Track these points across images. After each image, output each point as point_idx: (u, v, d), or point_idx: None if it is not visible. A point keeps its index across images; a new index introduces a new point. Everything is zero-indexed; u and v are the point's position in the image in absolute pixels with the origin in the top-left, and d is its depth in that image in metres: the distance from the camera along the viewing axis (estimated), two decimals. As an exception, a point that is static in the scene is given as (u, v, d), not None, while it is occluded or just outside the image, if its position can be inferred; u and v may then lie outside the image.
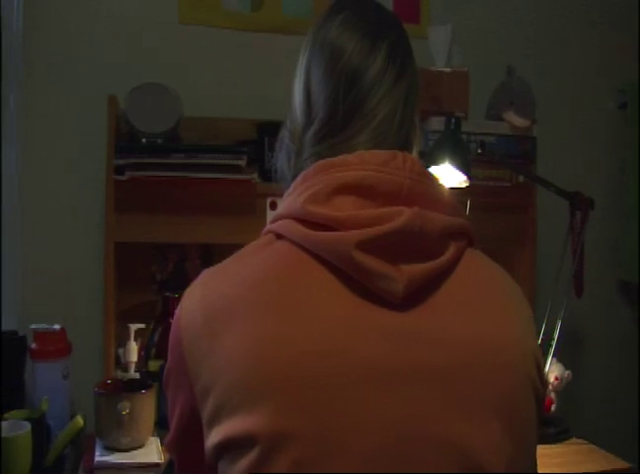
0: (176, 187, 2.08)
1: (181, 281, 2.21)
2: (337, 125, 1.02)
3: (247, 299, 0.91)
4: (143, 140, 2.10)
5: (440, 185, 1.01)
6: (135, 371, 2.09)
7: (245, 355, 0.87)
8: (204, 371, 0.91)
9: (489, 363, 0.91)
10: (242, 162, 2.09)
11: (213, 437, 0.89)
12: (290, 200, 0.97)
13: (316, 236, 0.92)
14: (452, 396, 0.87)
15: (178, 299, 2.02)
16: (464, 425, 0.87)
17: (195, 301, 0.97)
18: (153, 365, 2.06)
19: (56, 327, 2.01)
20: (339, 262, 0.90)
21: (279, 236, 0.97)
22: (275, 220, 0.99)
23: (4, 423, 1.73)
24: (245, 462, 0.86)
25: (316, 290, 0.91)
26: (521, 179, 2.34)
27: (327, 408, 0.85)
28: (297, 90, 1.09)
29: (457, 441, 0.86)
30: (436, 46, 2.25)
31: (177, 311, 1.00)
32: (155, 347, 2.08)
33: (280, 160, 1.13)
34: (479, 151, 2.21)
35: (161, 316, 2.10)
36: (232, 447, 0.87)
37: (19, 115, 2.29)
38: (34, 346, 2.00)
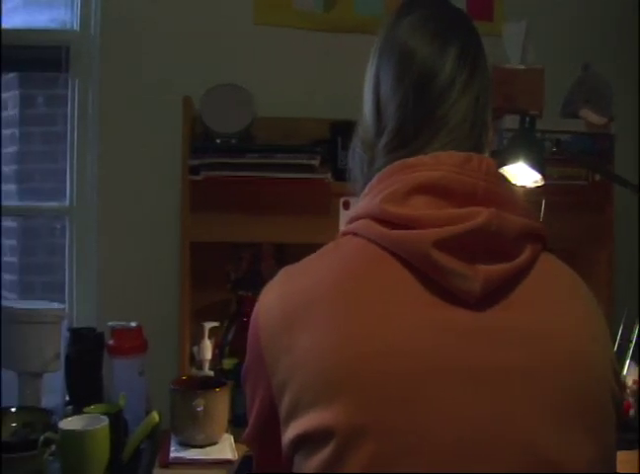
0: (250, 186, 2.10)
1: (255, 281, 2.22)
2: (408, 135, 1.01)
3: (324, 296, 0.92)
4: (218, 141, 2.12)
5: (515, 187, 1.00)
6: (210, 369, 2.12)
7: (322, 352, 0.88)
8: (282, 367, 0.92)
9: (566, 365, 0.89)
10: (315, 162, 2.10)
11: (290, 432, 0.91)
12: (367, 201, 0.98)
13: (393, 234, 0.92)
14: (530, 396, 0.86)
15: (252, 298, 2.07)
16: (542, 425, 0.86)
17: (273, 298, 0.98)
18: (227, 364, 2.08)
19: (133, 324, 2.05)
20: (415, 260, 0.90)
21: (356, 235, 0.97)
22: (351, 221, 1.00)
23: (83, 417, 1.77)
24: (321, 456, 0.86)
25: (393, 288, 0.91)
26: (598, 177, 2.29)
27: (403, 405, 0.85)
28: (367, 97, 1.08)
29: (535, 442, 0.85)
30: (510, 44, 2.22)
31: (255, 308, 1.01)
32: (229, 345, 2.09)
33: (354, 169, 1.13)
34: (554, 149, 2.16)
35: (235, 315, 2.12)
36: (308, 442, 0.88)
37: (96, 116, 2.35)
38: (111, 342, 2.04)
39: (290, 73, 2.38)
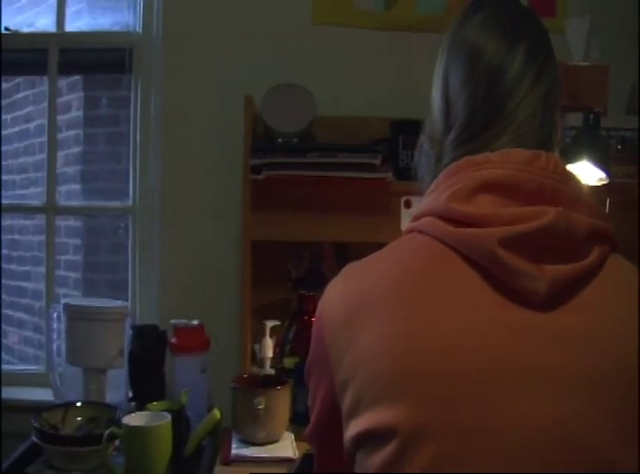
0: (311, 186, 2.10)
1: (316, 279, 2.23)
2: (476, 130, 1.00)
3: (387, 294, 0.92)
4: (279, 140, 2.13)
5: (583, 186, 0.98)
6: (271, 367, 2.12)
7: (385, 349, 0.88)
8: (345, 364, 0.92)
9: (627, 370, 0.88)
10: (377, 161, 2.09)
11: (352, 430, 0.91)
12: (432, 198, 0.98)
13: (458, 232, 0.92)
14: (591, 399, 0.85)
15: (313, 297, 2.07)
16: (602, 427, 0.85)
17: (336, 296, 0.98)
18: (288, 362, 2.08)
19: (195, 323, 2.07)
20: (481, 258, 0.90)
21: (420, 233, 0.97)
22: (416, 218, 1.00)
23: (146, 413, 1.79)
24: (382, 455, 0.86)
25: (457, 286, 0.91)
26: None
27: (467, 405, 0.84)
28: (436, 94, 1.08)
29: (595, 443, 0.84)
30: (573, 40, 2.18)
31: (319, 305, 1.02)
32: (290, 344, 2.09)
33: (421, 165, 1.13)
34: (619, 147, 2.13)
35: (296, 314, 2.12)
36: (370, 440, 0.88)
37: (159, 117, 2.38)
38: (173, 340, 2.06)
39: (351, 72, 2.37)
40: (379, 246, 1.02)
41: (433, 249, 0.94)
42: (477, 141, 1.00)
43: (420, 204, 1.02)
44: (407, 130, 2.17)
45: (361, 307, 0.94)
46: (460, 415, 0.84)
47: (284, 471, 1.74)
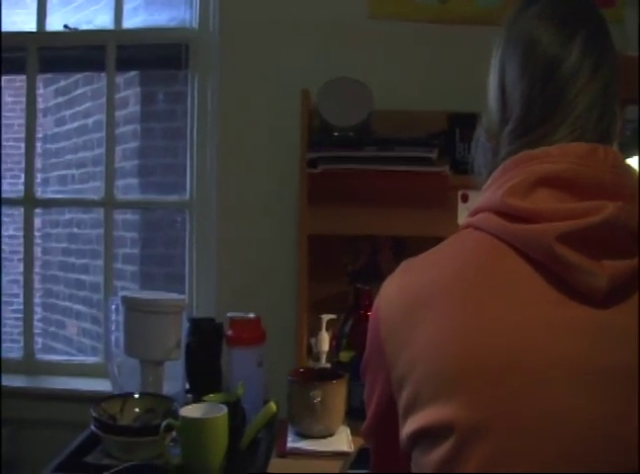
0: (368, 179, 2.10)
1: (373, 274, 2.22)
2: (534, 122, 0.99)
3: (444, 290, 0.91)
4: (335, 134, 2.12)
5: None
6: (327, 361, 2.12)
7: (442, 345, 0.87)
8: (401, 360, 0.92)
9: None
10: (433, 154, 2.08)
11: (409, 426, 0.90)
12: (489, 194, 0.96)
13: (516, 228, 0.90)
14: None
15: (369, 291, 2.07)
16: None
17: (393, 291, 0.98)
18: (344, 356, 2.08)
19: (252, 315, 2.08)
20: (538, 254, 0.88)
21: (477, 229, 0.96)
22: (473, 214, 0.99)
23: (203, 405, 1.80)
24: (440, 452, 0.86)
25: (514, 283, 0.90)
26: None
27: (526, 402, 0.83)
28: (492, 87, 1.07)
29: None
30: (632, 30, 2.14)
31: (376, 301, 1.01)
32: (346, 338, 2.09)
33: (478, 159, 1.11)
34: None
35: (353, 308, 2.11)
36: (427, 437, 0.88)
37: (215, 112, 2.39)
38: (230, 333, 2.07)
39: (408, 65, 2.36)
40: (436, 240, 1.01)
41: (489, 245, 0.93)
42: (534, 134, 0.98)
43: (477, 199, 1.01)
44: (464, 123, 2.15)
45: (418, 303, 0.93)
46: (518, 412, 0.83)
47: (340, 465, 1.73)
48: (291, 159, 2.19)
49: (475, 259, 0.93)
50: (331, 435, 1.90)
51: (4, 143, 6.62)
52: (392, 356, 0.94)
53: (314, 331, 2.16)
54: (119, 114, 2.92)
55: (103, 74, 2.73)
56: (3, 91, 6.42)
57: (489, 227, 0.94)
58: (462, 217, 2.08)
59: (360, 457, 1.74)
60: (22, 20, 2.94)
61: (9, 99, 6.47)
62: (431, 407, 0.87)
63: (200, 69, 2.50)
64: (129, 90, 3.92)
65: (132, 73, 3.83)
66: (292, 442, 1.85)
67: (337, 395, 1.89)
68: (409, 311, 0.93)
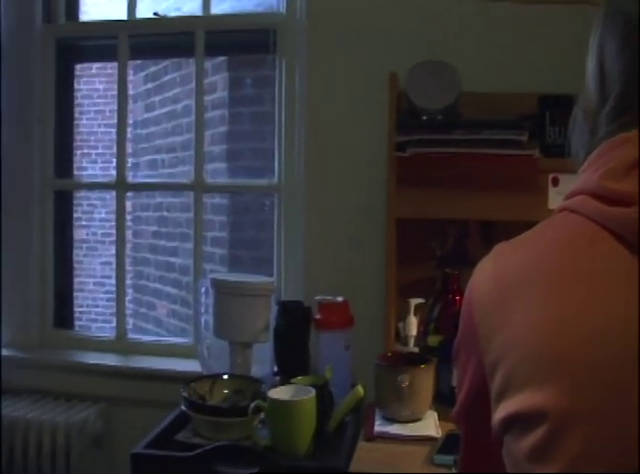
0: (456, 163, 2.07)
1: (461, 258, 2.19)
2: (632, 101, 0.96)
3: (539, 274, 0.90)
4: (424, 117, 2.11)
5: None
6: (415, 345, 2.12)
7: (537, 330, 0.86)
8: (495, 344, 0.90)
9: None
10: (523, 137, 2.04)
11: (500, 412, 0.89)
12: (586, 176, 0.94)
13: (613, 212, 0.88)
14: None
15: (458, 276, 2.05)
16: None
17: (486, 274, 0.97)
18: (432, 340, 2.07)
19: (340, 299, 2.08)
20: (636, 239, 0.86)
21: (572, 212, 0.94)
22: (569, 197, 0.96)
23: (291, 387, 1.82)
24: (532, 439, 0.84)
25: (611, 268, 0.87)
26: None
27: (623, 390, 0.81)
28: (591, 67, 1.04)
29: None
30: None
31: (469, 283, 1.00)
32: (434, 322, 2.08)
33: (574, 140, 1.09)
34: None
35: (441, 292, 2.10)
36: (520, 422, 0.86)
37: (303, 96, 2.40)
38: (318, 316, 2.08)
39: (496, 47, 2.31)
40: (526, 224, 0.99)
41: (585, 229, 0.91)
42: (632, 113, 0.96)
43: (568, 183, 0.99)
44: (554, 106, 2.11)
45: (513, 286, 0.92)
46: (615, 401, 0.81)
47: (427, 450, 1.73)
48: (379, 143, 2.18)
49: (569, 243, 0.92)
50: (418, 420, 1.89)
51: (96, 129, 6.81)
52: (485, 340, 0.93)
53: (402, 315, 2.15)
54: (207, 99, 2.96)
55: (191, 60, 2.77)
56: (94, 78, 6.58)
57: (585, 210, 0.91)
58: (553, 201, 2.05)
59: (447, 442, 1.73)
60: (113, 8, 3.00)
61: (100, 86, 6.64)
62: (524, 392, 0.85)
63: (287, 54, 2.51)
64: (217, 75, 3.97)
65: (220, 58, 3.88)
66: (380, 426, 1.86)
67: (425, 380, 1.88)
68: (503, 294, 0.92)
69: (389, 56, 2.30)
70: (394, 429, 1.85)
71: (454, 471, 1.58)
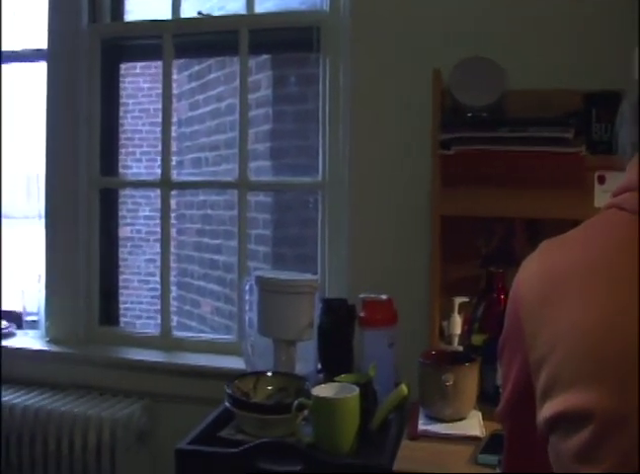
0: (502, 161, 2.06)
1: (506, 256, 2.17)
2: None
3: (586, 272, 0.89)
4: (468, 114, 2.10)
5: None
6: (459, 344, 2.11)
7: (583, 329, 0.85)
8: (540, 341, 0.90)
9: None
10: (569, 134, 2.01)
11: (546, 410, 0.88)
12: (633, 172, 0.93)
13: None
14: None
15: (502, 274, 2.03)
16: None
17: (532, 271, 0.96)
18: (476, 339, 2.05)
19: (384, 297, 2.08)
20: None
21: (620, 209, 0.93)
22: (616, 194, 0.96)
23: (334, 385, 1.82)
24: (578, 439, 0.84)
25: None
26: None
27: None
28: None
29: None
30: None
31: (515, 280, 1.00)
32: (479, 321, 2.06)
33: (622, 136, 1.07)
34: None
35: (485, 291, 2.08)
36: (566, 422, 0.86)
37: (347, 94, 2.40)
38: (362, 314, 2.08)
39: (541, 43, 2.29)
40: (572, 223, 0.99)
41: (633, 226, 0.90)
42: None
43: (615, 181, 0.97)
44: (601, 102, 2.07)
45: (560, 283, 0.91)
46: None
47: (471, 449, 1.72)
48: (424, 140, 2.17)
49: (617, 241, 0.91)
50: (462, 419, 1.88)
51: (140, 128, 6.88)
52: (531, 337, 0.92)
53: (446, 313, 2.14)
54: (251, 97, 2.97)
55: (235, 58, 2.78)
56: (139, 78, 6.65)
57: (633, 207, 0.91)
58: (599, 199, 2.02)
59: (491, 442, 1.72)
60: (157, 8, 3.03)
61: (144, 85, 6.71)
62: (570, 391, 0.85)
63: (331, 51, 2.51)
64: (261, 73, 3.98)
65: (264, 57, 3.89)
66: (423, 425, 1.85)
67: (469, 379, 1.87)
68: (550, 291, 0.91)
69: (433, 53, 2.29)
70: (438, 427, 1.84)
71: (498, 471, 1.57)
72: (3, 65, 2.97)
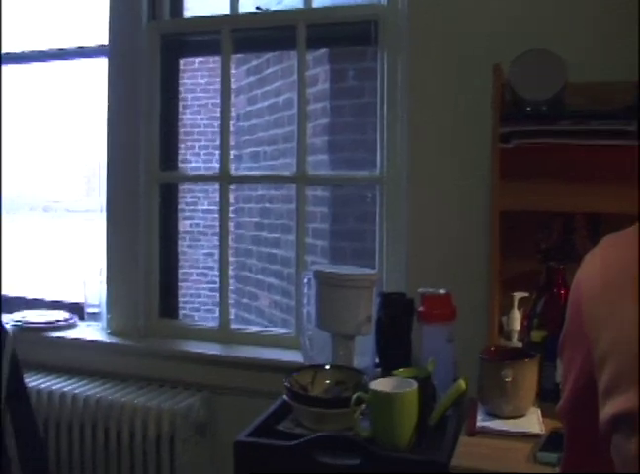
0: (562, 154, 2.03)
1: (567, 252, 2.14)
2: None
3: None
4: (528, 108, 2.07)
5: None
6: (518, 340, 2.09)
7: None
8: (604, 337, 0.89)
9: None
10: (632, 127, 1.98)
11: (609, 408, 0.87)
12: None
13: None
14: None
15: (563, 270, 2.01)
16: None
17: (595, 267, 0.95)
18: (536, 336, 2.03)
19: (442, 292, 2.07)
20: None
21: None
22: None
23: (393, 379, 1.82)
24: None
25: None
26: None
27: None
28: None
29: None
30: None
31: (576, 277, 0.99)
32: (538, 317, 2.04)
33: None
34: None
35: (545, 286, 2.06)
36: (630, 422, 0.84)
37: (406, 87, 2.39)
38: (421, 309, 2.07)
39: (602, 35, 2.25)
40: (634, 217, 0.97)
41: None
42: None
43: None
44: (663, 95, 2.04)
45: (623, 279, 0.90)
46: None
47: (530, 447, 1.70)
48: (483, 134, 2.15)
49: None
50: (521, 416, 1.86)
51: (199, 122, 6.95)
52: (594, 333, 0.91)
53: (505, 309, 2.12)
54: (308, 91, 2.97)
55: (293, 53, 2.79)
56: (197, 73, 6.72)
57: None
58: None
59: (551, 440, 1.70)
60: (215, 3, 3.05)
61: (202, 80, 6.77)
62: (634, 389, 0.84)
63: (389, 45, 2.50)
64: (319, 68, 3.99)
65: (322, 51, 3.89)
66: (482, 421, 1.83)
67: (528, 375, 1.85)
68: (612, 288, 0.90)
69: (492, 47, 2.26)
70: (497, 424, 1.82)
71: (558, 470, 1.55)
72: (66, 62, 3.04)
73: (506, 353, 1.95)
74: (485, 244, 2.16)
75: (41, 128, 9.56)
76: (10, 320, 2.87)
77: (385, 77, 2.50)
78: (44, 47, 3.20)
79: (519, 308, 2.09)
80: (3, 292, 2.74)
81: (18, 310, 3.02)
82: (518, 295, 2.10)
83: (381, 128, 2.51)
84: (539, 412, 1.88)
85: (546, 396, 1.91)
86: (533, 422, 1.83)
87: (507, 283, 2.14)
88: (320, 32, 2.73)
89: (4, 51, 3.11)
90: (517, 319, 2.09)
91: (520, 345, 2.07)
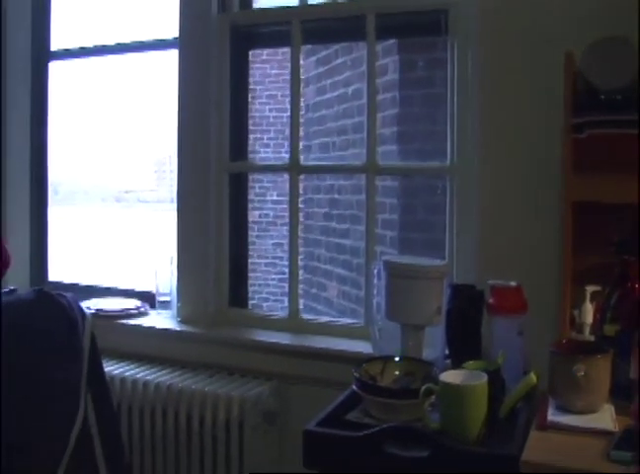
0: (637, 144, 1.99)
1: (641, 245, 2.10)
2: None
3: None
4: (602, 97, 2.03)
5: None
6: (590, 334, 2.05)
7: None
8: None
9: None
10: None
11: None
12: None
13: None
14: None
15: (637, 263, 1.96)
16: None
17: None
18: (609, 330, 1.99)
19: (513, 284, 2.05)
20: None
21: None
22: None
23: (462, 371, 1.81)
24: None
25: None
26: None
27: None
28: None
29: None
30: None
31: None
32: (611, 311, 2.00)
33: None
34: None
35: (619, 279, 2.01)
36: None
37: (476, 77, 2.37)
38: (491, 301, 2.06)
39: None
40: None
41: None
42: None
43: None
44: None
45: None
46: None
47: (602, 444, 1.67)
48: (554, 124, 2.13)
49: None
50: (594, 412, 1.83)
51: (268, 114, 7.00)
52: None
53: (577, 302, 2.09)
54: (378, 81, 2.97)
55: (361, 43, 2.78)
56: (266, 64, 6.76)
57: None
58: None
59: (625, 438, 1.67)
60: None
61: (271, 71, 6.82)
62: None
63: (459, 35, 2.48)
64: (388, 58, 3.98)
65: (391, 41, 3.88)
66: (553, 416, 1.81)
67: (602, 370, 1.81)
68: None
69: (565, 35, 2.22)
70: (568, 419, 1.79)
71: (633, 470, 1.52)
72: (139, 54, 3.09)
73: (577, 346, 1.91)
74: (556, 235, 2.13)
75: (114, 120, 9.73)
76: (84, 307, 2.94)
77: (455, 67, 2.48)
78: (111, 42, 3.27)
79: (591, 301, 2.06)
80: (78, 280, 2.80)
81: (91, 298, 3.09)
82: (590, 288, 2.06)
83: (451, 119, 2.49)
84: (613, 409, 1.84)
85: (619, 393, 1.86)
86: (606, 418, 1.79)
87: (579, 276, 2.10)
88: (389, 22, 2.72)
89: (79, 46, 3.18)
90: (589, 312, 2.06)
91: (592, 338, 2.04)
